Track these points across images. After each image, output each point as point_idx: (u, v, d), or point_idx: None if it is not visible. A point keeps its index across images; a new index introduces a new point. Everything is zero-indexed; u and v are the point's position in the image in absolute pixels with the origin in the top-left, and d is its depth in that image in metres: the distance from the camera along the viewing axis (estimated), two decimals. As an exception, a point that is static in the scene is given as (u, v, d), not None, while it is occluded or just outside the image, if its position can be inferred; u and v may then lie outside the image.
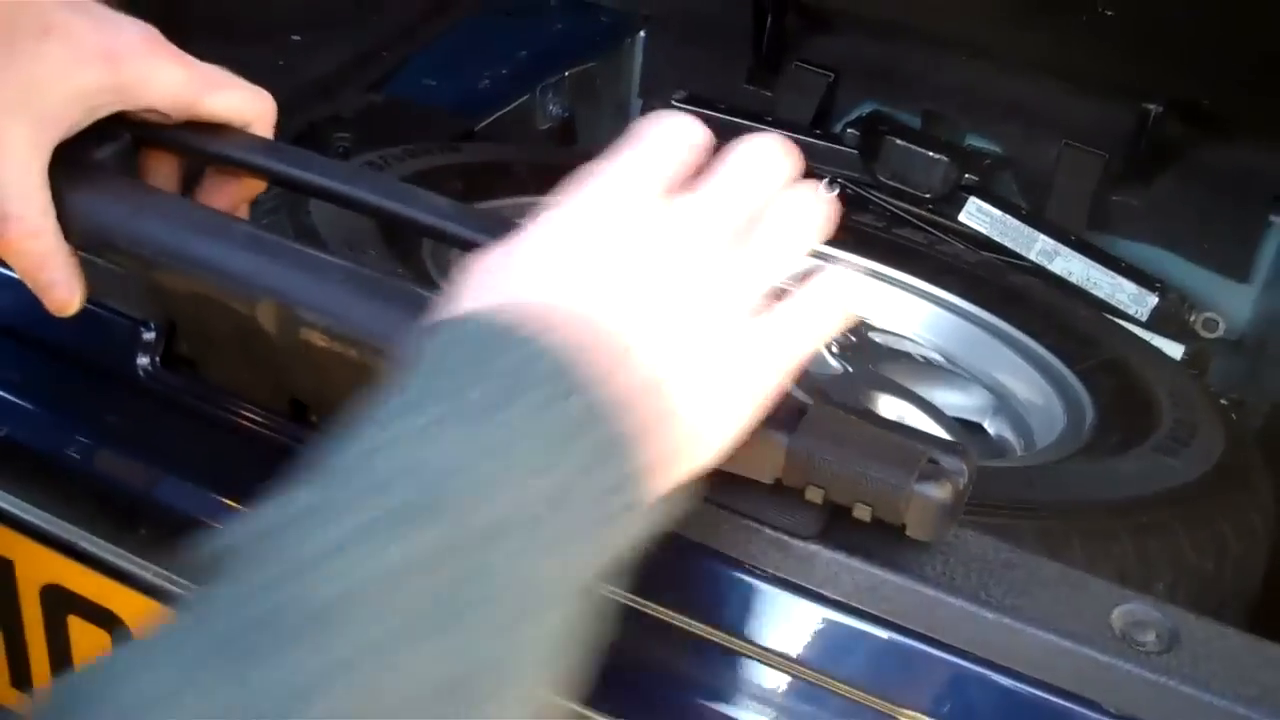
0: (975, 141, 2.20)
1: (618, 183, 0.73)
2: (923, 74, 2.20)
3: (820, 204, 0.76)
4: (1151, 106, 2.01)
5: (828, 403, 0.83)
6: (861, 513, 0.78)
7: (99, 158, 0.95)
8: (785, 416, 0.80)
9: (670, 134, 0.75)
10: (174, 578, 0.98)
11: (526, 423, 0.62)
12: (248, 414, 0.97)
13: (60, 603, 1.04)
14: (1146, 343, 1.81)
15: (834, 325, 0.77)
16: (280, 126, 2.06)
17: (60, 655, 1.06)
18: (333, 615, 0.55)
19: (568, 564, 0.62)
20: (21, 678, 1.10)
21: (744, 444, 0.78)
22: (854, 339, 1.73)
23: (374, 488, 0.59)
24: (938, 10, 2.11)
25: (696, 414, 0.70)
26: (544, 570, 0.61)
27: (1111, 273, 2.05)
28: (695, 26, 2.36)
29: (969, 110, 2.19)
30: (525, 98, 2.25)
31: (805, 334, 0.75)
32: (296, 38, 2.30)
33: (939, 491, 0.78)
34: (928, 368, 1.78)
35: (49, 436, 1.03)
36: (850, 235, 1.93)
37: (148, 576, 0.99)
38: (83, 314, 0.98)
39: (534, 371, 0.63)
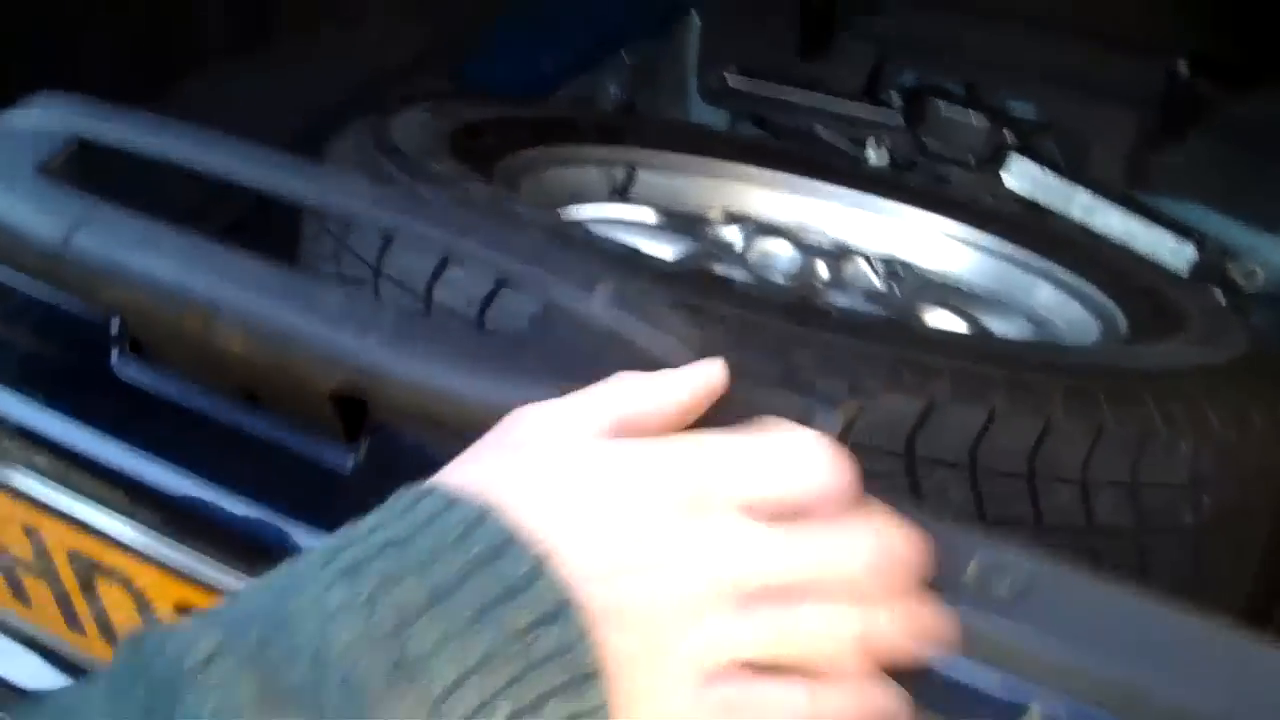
0: (1016, 107, 2.31)
1: (578, 412, 0.74)
2: (964, 44, 2.31)
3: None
4: (1179, 64, 2.11)
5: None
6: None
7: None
8: None
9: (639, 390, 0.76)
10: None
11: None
12: (207, 399, 1.06)
13: (84, 565, 1.15)
14: (1181, 276, 1.89)
15: None
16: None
17: (96, 606, 1.17)
18: None
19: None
20: (73, 621, 1.20)
21: None
22: (899, 271, 1.83)
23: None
24: None
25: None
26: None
27: (1151, 226, 2.13)
28: (747, 5, 2.50)
29: (1009, 77, 2.30)
30: (587, 79, 2.39)
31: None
32: (373, 28, 2.46)
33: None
34: (975, 300, 1.87)
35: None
36: (900, 189, 2.05)
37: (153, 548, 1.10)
38: (52, 313, 1.10)
39: (480, 533, 0.65)
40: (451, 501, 0.66)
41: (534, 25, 2.47)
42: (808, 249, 1.73)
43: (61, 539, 1.15)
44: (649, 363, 0.80)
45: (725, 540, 0.68)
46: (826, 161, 2.06)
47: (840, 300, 1.62)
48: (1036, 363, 1.32)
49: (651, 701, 0.66)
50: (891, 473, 1.24)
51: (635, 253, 1.37)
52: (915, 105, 2.25)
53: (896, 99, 2.27)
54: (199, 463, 1.09)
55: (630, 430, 0.73)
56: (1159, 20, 2.10)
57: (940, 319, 1.66)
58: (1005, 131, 2.22)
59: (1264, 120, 2.14)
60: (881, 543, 0.71)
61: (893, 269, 1.81)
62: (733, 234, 1.76)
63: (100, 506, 1.12)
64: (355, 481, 1.02)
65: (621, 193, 1.91)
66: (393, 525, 0.66)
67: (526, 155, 1.81)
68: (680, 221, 1.81)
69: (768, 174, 2.01)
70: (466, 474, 0.70)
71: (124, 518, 1.11)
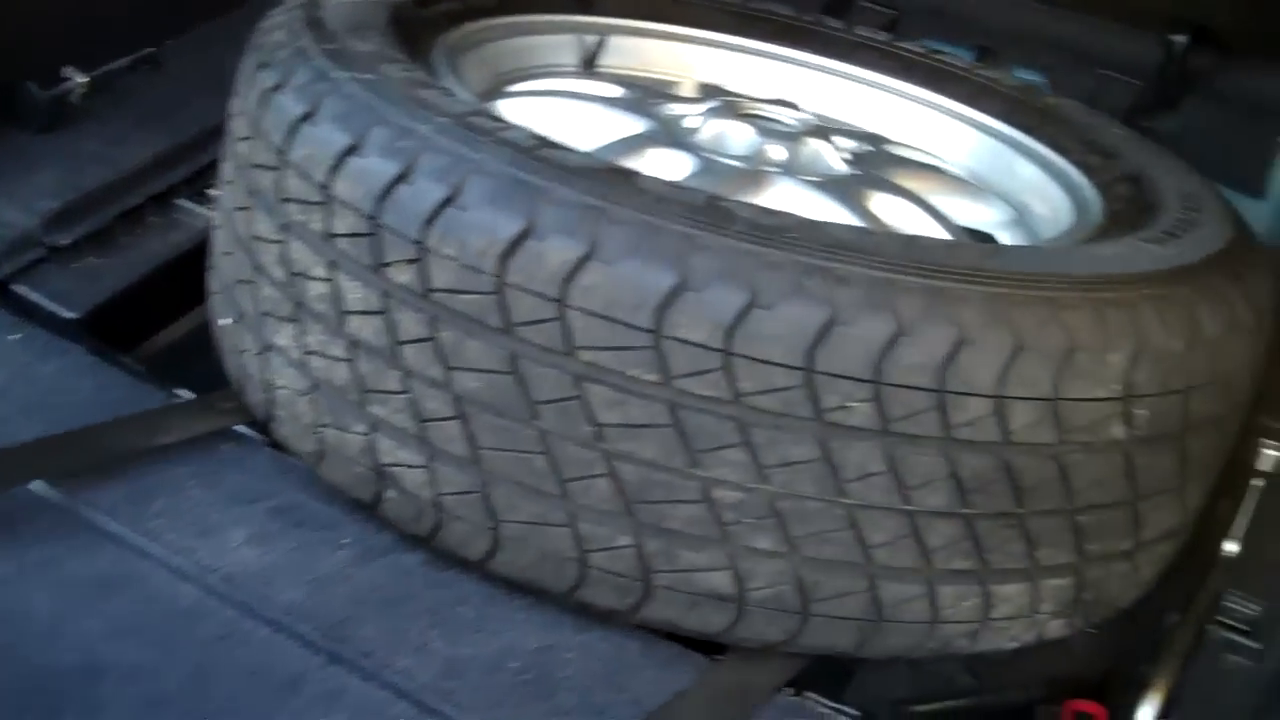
0: (1022, 74, 2.22)
1: None
2: (975, 14, 2.31)
3: None
4: (1177, 38, 2.16)
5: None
6: None
7: None
8: None
9: None
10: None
11: None
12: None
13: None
14: (1175, 156, 1.78)
15: None
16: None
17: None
18: None
19: None
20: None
21: None
22: (867, 147, 1.75)
23: None
24: None
25: None
26: None
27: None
28: None
29: (1017, 46, 2.30)
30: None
31: None
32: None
33: None
34: (949, 180, 1.79)
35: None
36: (892, 58, 1.95)
37: None
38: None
39: None
40: None
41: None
42: (765, 130, 1.64)
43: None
44: None
45: None
46: (813, 29, 1.96)
47: (782, 182, 1.55)
48: (954, 268, 1.24)
49: None
50: (791, 387, 1.20)
51: (542, 143, 1.31)
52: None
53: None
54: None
55: None
56: None
57: (894, 208, 1.58)
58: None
59: (1249, 92, 2.20)
60: None
61: (858, 150, 1.73)
62: (691, 111, 1.68)
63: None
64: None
65: (590, 62, 1.84)
66: None
67: (486, 24, 1.75)
68: (640, 98, 1.73)
69: (749, 42, 1.93)
70: None
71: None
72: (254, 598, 1.29)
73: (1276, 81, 2.17)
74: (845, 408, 1.20)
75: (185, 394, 1.61)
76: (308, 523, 1.42)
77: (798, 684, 1.38)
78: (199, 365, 1.62)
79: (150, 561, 1.34)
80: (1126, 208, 1.58)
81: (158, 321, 1.92)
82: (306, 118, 1.35)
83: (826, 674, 1.43)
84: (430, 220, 1.25)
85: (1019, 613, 1.36)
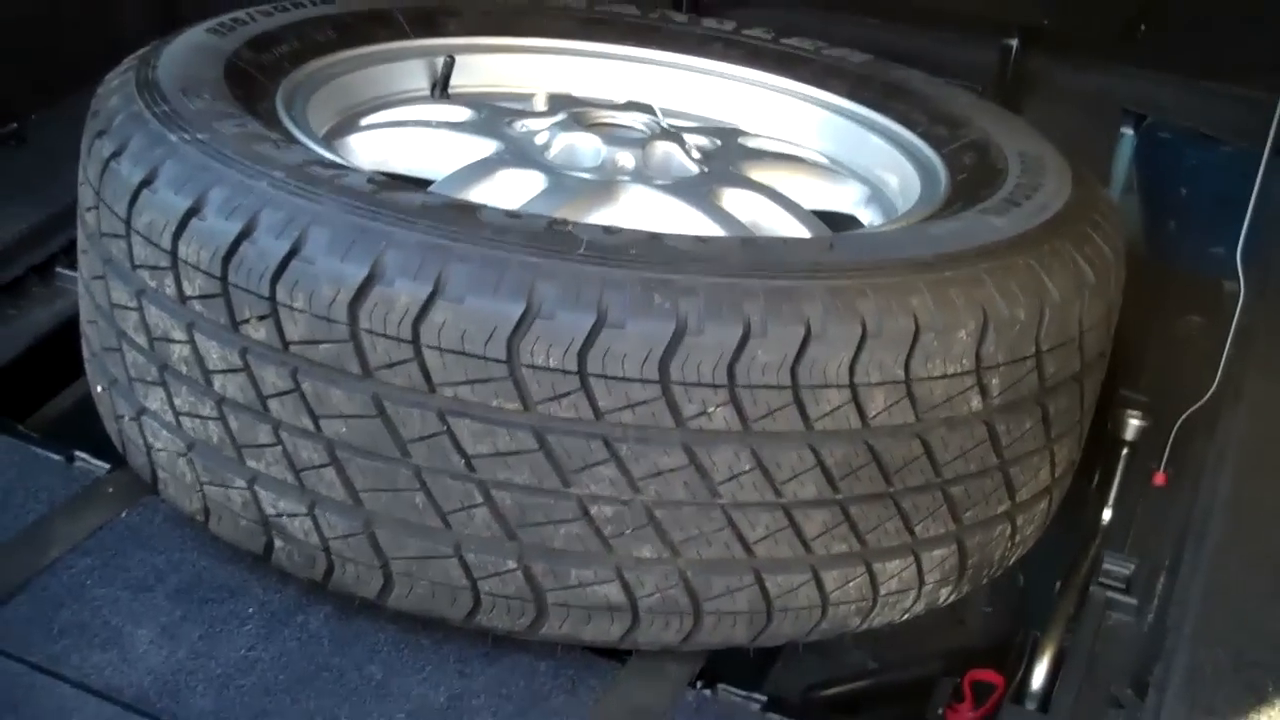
0: None
1: None
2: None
3: None
4: (1011, 41, 2.22)
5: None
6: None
7: None
8: None
9: None
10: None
11: None
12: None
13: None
14: (1017, 119, 1.81)
15: None
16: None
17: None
18: None
19: None
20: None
21: None
22: (719, 143, 1.77)
23: None
24: None
25: None
26: None
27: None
28: None
29: None
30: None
31: None
32: None
33: None
34: (804, 165, 1.82)
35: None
36: (739, 48, 1.97)
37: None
38: None
39: None
40: None
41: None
42: (614, 139, 1.66)
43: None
44: None
45: None
46: (659, 26, 1.99)
47: (633, 189, 1.58)
48: (795, 267, 1.27)
49: None
50: (650, 400, 1.22)
51: (381, 186, 1.32)
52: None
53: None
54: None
55: None
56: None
57: (747, 202, 1.61)
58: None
59: (1087, 88, 2.27)
60: None
61: (711, 147, 1.75)
62: (541, 127, 1.70)
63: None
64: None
65: (443, 85, 1.85)
66: None
67: (329, 60, 1.75)
68: (489, 119, 1.74)
69: (598, 46, 1.95)
70: None
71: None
72: (166, 714, 1.30)
73: (1111, 78, 2.25)
74: (706, 413, 1.23)
75: (85, 457, 1.61)
76: (212, 598, 1.43)
77: (713, 676, 1.41)
78: (97, 428, 1.62)
79: (65, 687, 1.33)
80: (970, 177, 1.62)
81: (49, 389, 1.91)
82: (146, 184, 1.35)
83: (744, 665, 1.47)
84: (277, 275, 1.26)
85: (906, 586, 1.40)
